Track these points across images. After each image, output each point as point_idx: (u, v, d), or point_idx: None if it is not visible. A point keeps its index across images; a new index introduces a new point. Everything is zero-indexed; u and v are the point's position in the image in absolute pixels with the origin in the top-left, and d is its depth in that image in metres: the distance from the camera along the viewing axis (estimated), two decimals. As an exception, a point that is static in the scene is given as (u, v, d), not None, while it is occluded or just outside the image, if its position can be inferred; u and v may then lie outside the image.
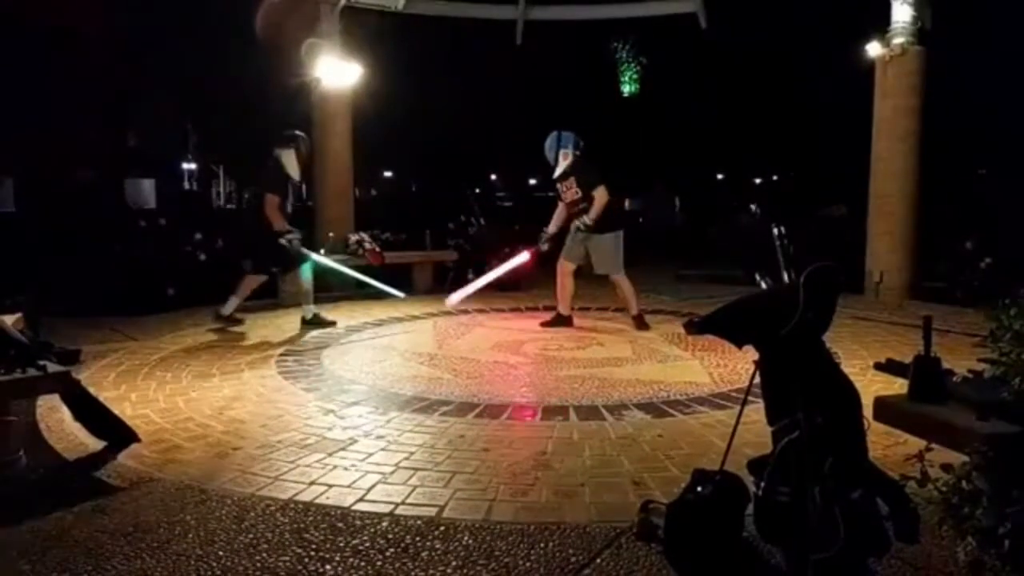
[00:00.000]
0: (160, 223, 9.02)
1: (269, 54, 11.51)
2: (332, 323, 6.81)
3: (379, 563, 2.53)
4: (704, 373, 5.16)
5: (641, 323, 6.60)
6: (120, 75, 17.08)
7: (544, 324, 6.72)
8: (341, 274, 7.61)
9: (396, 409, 4.31)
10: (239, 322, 6.66)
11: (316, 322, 6.73)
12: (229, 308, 6.61)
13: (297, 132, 6.82)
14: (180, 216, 11.67)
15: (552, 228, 6.82)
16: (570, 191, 6.58)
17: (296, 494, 3.09)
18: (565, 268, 6.68)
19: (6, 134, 14.33)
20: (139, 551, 2.61)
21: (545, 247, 6.93)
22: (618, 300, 6.91)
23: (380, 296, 8.56)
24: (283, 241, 6.48)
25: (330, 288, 8.58)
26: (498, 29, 11.06)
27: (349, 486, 3.18)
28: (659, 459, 3.50)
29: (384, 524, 2.82)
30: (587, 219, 6.39)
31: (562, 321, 6.69)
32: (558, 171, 6.64)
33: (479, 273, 9.76)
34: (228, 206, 26.61)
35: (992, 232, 8.08)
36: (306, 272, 6.79)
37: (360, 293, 8.69)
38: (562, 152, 6.58)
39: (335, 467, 3.40)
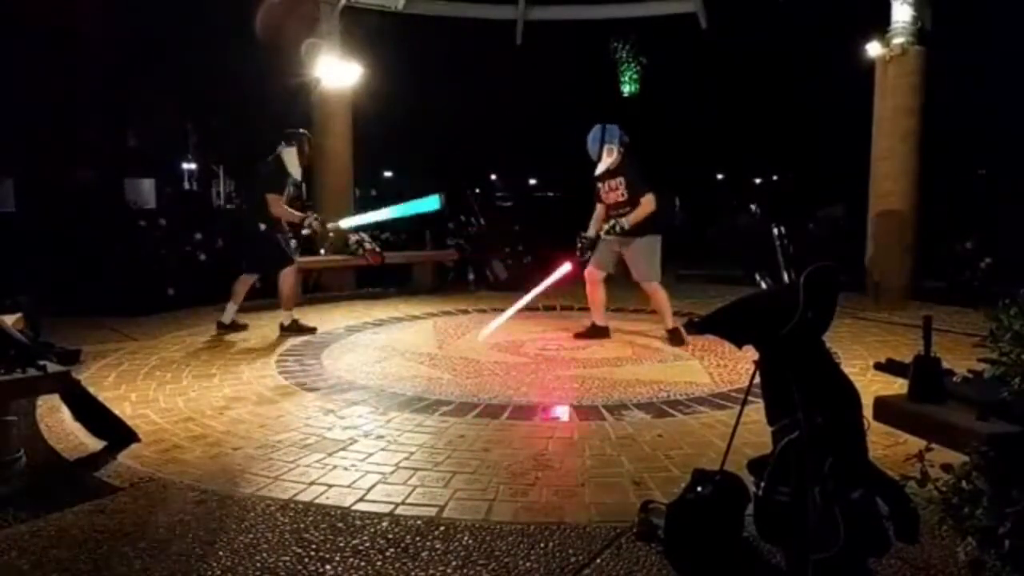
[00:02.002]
0: (160, 223, 9.01)
1: (269, 54, 11.51)
2: (313, 330, 6.54)
3: (379, 563, 2.53)
4: (704, 373, 5.16)
5: (676, 338, 5.97)
6: (120, 75, 17.06)
7: (579, 336, 6.24)
8: (368, 223, 7.27)
9: (396, 409, 4.31)
10: (243, 327, 6.54)
11: (295, 328, 6.46)
12: (229, 315, 6.49)
13: (301, 130, 6.67)
14: (180, 216, 11.66)
15: (591, 232, 6.17)
16: (615, 192, 5.99)
17: (296, 494, 3.10)
18: (594, 276, 6.17)
19: (6, 134, 14.32)
20: (139, 551, 2.61)
21: (588, 255, 6.20)
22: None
23: (380, 296, 8.57)
24: (306, 229, 6.43)
25: (328, 288, 8.59)
26: (498, 29, 11.06)
27: (349, 486, 3.18)
28: (659, 459, 3.51)
29: (384, 524, 2.82)
30: (625, 223, 5.83)
31: (597, 332, 6.23)
32: (601, 168, 6.00)
33: (479, 273, 9.79)
34: (228, 206, 26.60)
35: (992, 232, 8.08)
36: (288, 275, 6.54)
37: (360, 294, 8.70)
38: (606, 148, 5.93)
39: (335, 467, 3.40)
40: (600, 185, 6.11)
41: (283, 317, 6.51)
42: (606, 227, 5.96)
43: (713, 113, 22.61)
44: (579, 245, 6.21)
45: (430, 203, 6.87)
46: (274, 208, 6.32)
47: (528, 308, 7.72)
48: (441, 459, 3.51)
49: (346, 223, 6.86)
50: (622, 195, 5.97)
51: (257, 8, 10.04)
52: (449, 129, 22.39)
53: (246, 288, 6.58)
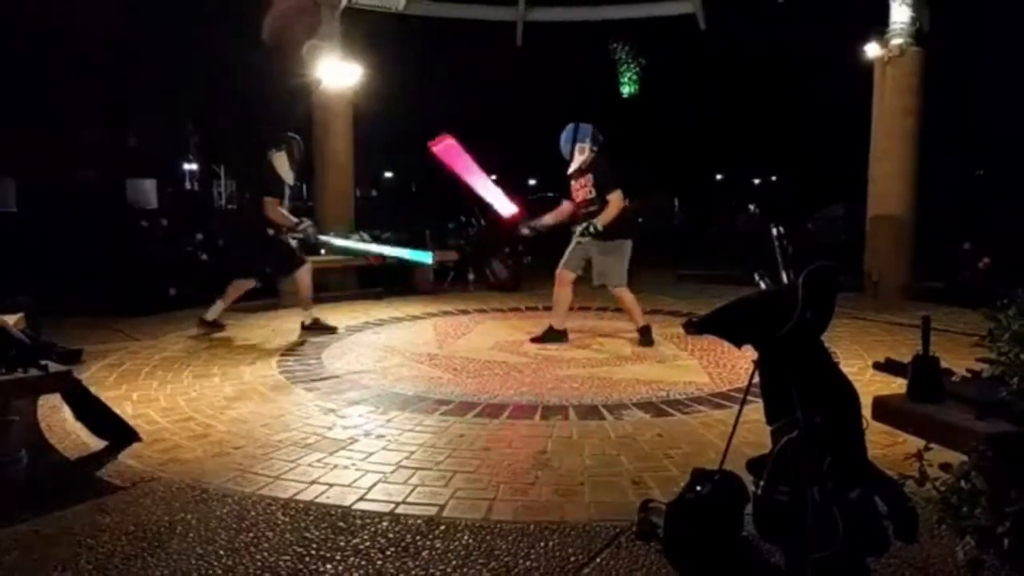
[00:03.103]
0: (161, 223, 9.03)
1: (270, 55, 11.53)
2: (333, 329, 6.56)
3: (379, 562, 2.54)
4: (704, 373, 5.16)
5: (646, 337, 5.99)
6: (120, 75, 17.08)
7: (535, 340, 6.11)
8: (356, 251, 7.22)
9: (396, 409, 4.32)
10: (222, 327, 6.45)
11: (317, 327, 6.51)
12: (214, 313, 6.40)
13: (290, 134, 6.58)
14: (181, 216, 11.68)
15: (547, 220, 6.27)
16: (583, 189, 6.01)
17: (296, 493, 3.10)
18: (564, 278, 6.10)
19: (6, 134, 14.33)
20: (140, 551, 2.62)
21: (526, 231, 6.38)
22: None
23: (380, 296, 8.58)
24: (298, 234, 6.33)
25: (328, 288, 8.59)
26: (498, 30, 11.07)
27: (349, 485, 3.19)
28: (659, 458, 3.51)
29: (384, 523, 2.82)
30: (597, 224, 5.79)
31: (555, 336, 6.11)
32: (572, 166, 6.06)
33: (479, 273, 9.81)
34: (229, 206, 26.64)
35: (991, 232, 8.10)
36: (305, 274, 6.57)
37: (360, 294, 8.71)
38: (578, 146, 5.98)
39: (335, 466, 3.41)
40: (572, 183, 6.12)
41: (304, 317, 6.54)
42: (580, 229, 5.91)
43: (713, 113, 22.61)
44: (531, 222, 6.30)
45: (424, 256, 6.93)
46: (270, 211, 6.28)
47: (528, 308, 7.75)
48: (441, 458, 3.52)
49: (338, 241, 6.72)
50: (589, 192, 5.97)
51: (258, 9, 10.05)
52: (449, 129, 22.42)
53: (240, 292, 6.51)
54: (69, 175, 15.98)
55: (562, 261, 6.15)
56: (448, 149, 6.44)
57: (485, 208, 8.00)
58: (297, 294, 6.61)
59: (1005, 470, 2.13)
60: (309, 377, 5.08)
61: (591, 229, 5.82)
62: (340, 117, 9.33)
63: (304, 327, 6.50)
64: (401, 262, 7.00)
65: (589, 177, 5.99)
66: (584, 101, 20.39)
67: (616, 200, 5.86)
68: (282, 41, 9.53)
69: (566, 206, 6.23)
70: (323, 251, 8.73)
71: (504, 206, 6.58)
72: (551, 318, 6.21)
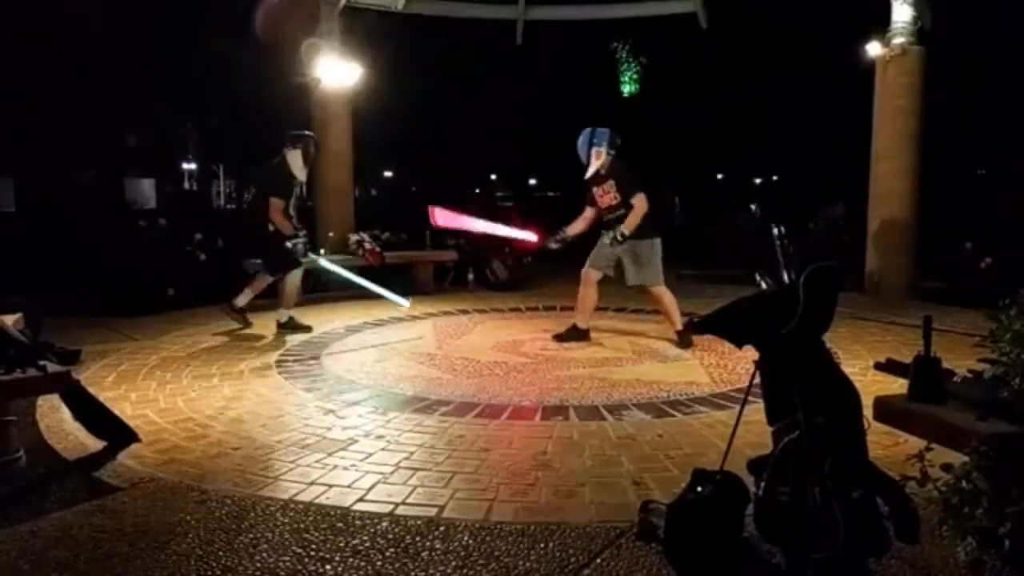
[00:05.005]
0: (160, 223, 9.02)
1: (269, 54, 11.53)
2: (308, 328, 6.53)
3: (379, 563, 2.53)
4: (704, 373, 5.16)
5: (684, 340, 5.86)
6: (120, 75, 17.08)
7: (558, 337, 6.09)
8: (340, 275, 7.38)
9: (396, 409, 4.31)
10: (248, 324, 6.51)
11: (291, 326, 6.48)
12: (243, 300, 6.49)
13: (307, 132, 6.61)
14: (180, 216, 11.68)
15: (570, 231, 6.16)
16: (607, 195, 5.93)
17: (296, 494, 3.10)
18: (590, 277, 6.05)
19: (6, 134, 14.33)
20: (139, 551, 2.61)
21: (555, 246, 6.26)
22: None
23: (380, 296, 8.58)
24: (289, 244, 6.32)
25: (328, 288, 8.59)
26: (498, 29, 11.06)
27: (349, 486, 3.18)
28: (659, 459, 3.51)
29: (384, 524, 2.82)
30: (624, 230, 5.74)
31: (578, 335, 6.08)
32: (590, 171, 5.94)
33: (479, 273, 9.80)
34: (228, 206, 26.66)
35: (992, 232, 8.09)
36: (295, 276, 6.57)
37: (359, 293, 8.70)
38: (595, 151, 5.87)
39: (335, 467, 3.40)
40: (594, 189, 6.03)
41: (280, 315, 6.53)
42: (607, 238, 5.91)
43: (713, 113, 22.61)
44: (556, 235, 6.21)
45: (401, 300, 7.03)
46: (273, 213, 6.31)
47: (529, 308, 7.74)
48: (441, 459, 3.51)
49: (323, 262, 6.68)
50: (614, 198, 5.91)
51: (257, 8, 10.05)
52: (449, 129, 22.41)
53: (263, 284, 6.57)
54: (68, 175, 15.98)
55: (588, 260, 6.11)
56: (446, 217, 6.52)
57: (485, 210, 7.99)
58: (280, 293, 6.59)
59: (1007, 471, 2.12)
60: (308, 377, 5.07)
61: (618, 236, 5.79)
62: (339, 116, 9.31)
63: (279, 326, 6.48)
64: (376, 294, 7.08)
65: (611, 183, 5.92)
66: (584, 100, 20.40)
67: (641, 203, 5.80)
68: (276, 35, 9.52)
69: (589, 213, 6.15)
70: (322, 251, 8.73)
71: (522, 236, 6.53)
72: (575, 317, 6.18)
